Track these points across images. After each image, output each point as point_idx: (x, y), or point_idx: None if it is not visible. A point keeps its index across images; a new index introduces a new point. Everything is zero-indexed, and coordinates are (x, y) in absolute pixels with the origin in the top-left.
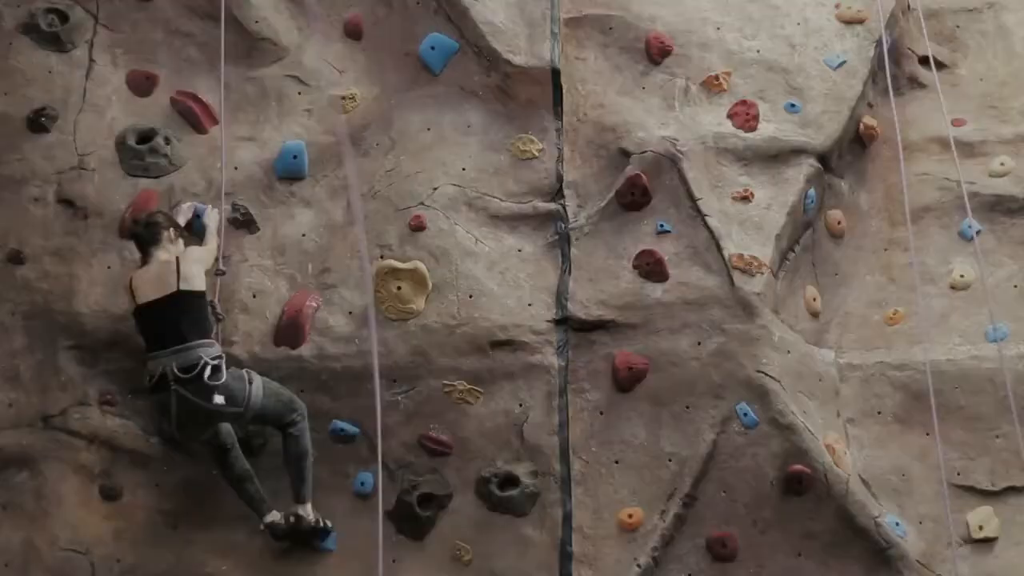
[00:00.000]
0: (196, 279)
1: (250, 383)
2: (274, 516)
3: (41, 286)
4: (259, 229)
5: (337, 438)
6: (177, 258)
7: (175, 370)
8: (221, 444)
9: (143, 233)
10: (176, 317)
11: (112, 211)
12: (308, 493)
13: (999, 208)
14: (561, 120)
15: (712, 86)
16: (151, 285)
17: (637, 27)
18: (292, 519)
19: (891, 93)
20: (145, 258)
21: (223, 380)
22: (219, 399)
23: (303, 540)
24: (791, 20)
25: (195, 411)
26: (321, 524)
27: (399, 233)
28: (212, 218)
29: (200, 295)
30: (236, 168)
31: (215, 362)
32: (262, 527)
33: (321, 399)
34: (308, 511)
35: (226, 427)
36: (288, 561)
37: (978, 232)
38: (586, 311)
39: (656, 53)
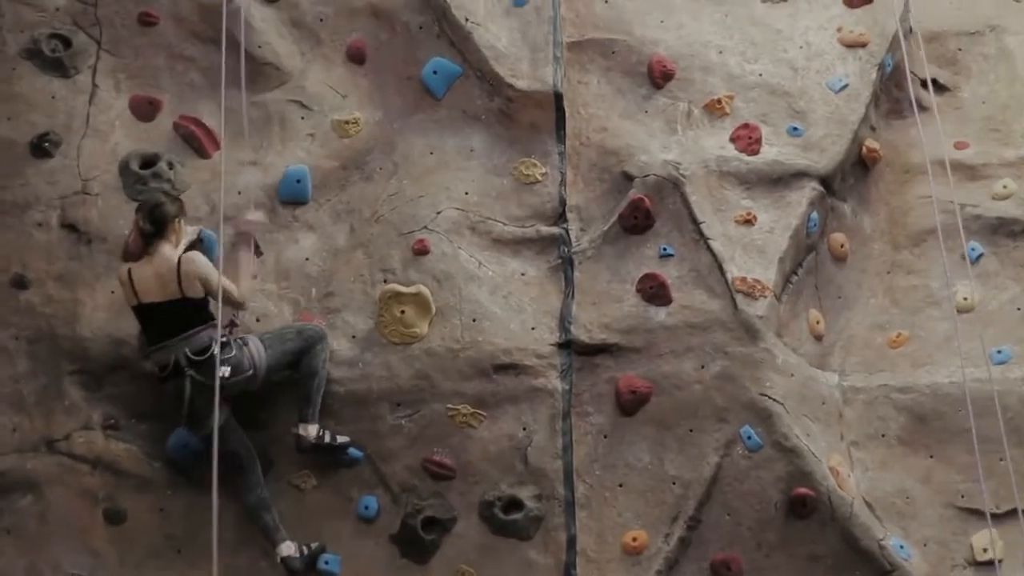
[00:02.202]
0: (199, 290)
1: (245, 345)
2: (289, 548)
3: (45, 311)
4: (263, 253)
5: (341, 462)
6: (179, 261)
7: (188, 354)
8: (239, 465)
9: (150, 231)
10: (180, 312)
11: (115, 236)
12: (312, 415)
13: (1002, 231)
14: (564, 144)
15: (715, 110)
16: (153, 287)
17: (640, 51)
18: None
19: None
20: (147, 248)
21: (232, 354)
22: (225, 371)
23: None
24: (793, 44)
25: (211, 391)
26: (327, 439)
27: (402, 257)
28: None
29: (203, 297)
30: (239, 193)
31: (224, 339)
32: (279, 560)
33: (325, 423)
34: (310, 431)
35: (246, 447)
36: None
37: (980, 256)
38: (589, 335)
39: (659, 77)
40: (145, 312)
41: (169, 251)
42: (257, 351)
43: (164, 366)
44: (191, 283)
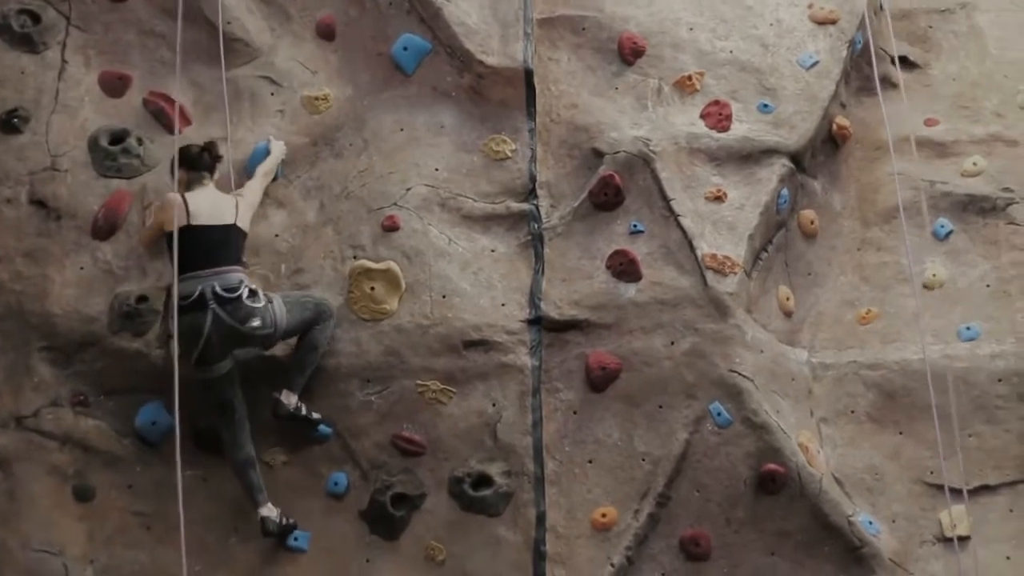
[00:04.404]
0: (247, 222)
1: (270, 302)
2: (270, 511)
3: (14, 287)
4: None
5: (310, 438)
6: (235, 197)
7: (217, 289)
8: (237, 420)
9: (206, 160)
10: (222, 243)
11: (85, 212)
12: (298, 385)
13: (972, 208)
14: (534, 121)
15: (685, 86)
16: (209, 211)
17: (610, 27)
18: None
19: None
20: (191, 183)
21: (262, 303)
22: (255, 323)
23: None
24: (764, 20)
25: (229, 331)
26: (303, 412)
27: (372, 233)
28: (275, 150)
29: (246, 235)
30: None
31: (252, 287)
32: (258, 518)
33: None
34: (291, 399)
35: (241, 402)
36: (261, 561)
37: (950, 233)
38: (559, 311)
39: (629, 54)
40: (189, 236)
41: (214, 186)
42: (280, 312)
43: (187, 296)
44: (246, 211)
